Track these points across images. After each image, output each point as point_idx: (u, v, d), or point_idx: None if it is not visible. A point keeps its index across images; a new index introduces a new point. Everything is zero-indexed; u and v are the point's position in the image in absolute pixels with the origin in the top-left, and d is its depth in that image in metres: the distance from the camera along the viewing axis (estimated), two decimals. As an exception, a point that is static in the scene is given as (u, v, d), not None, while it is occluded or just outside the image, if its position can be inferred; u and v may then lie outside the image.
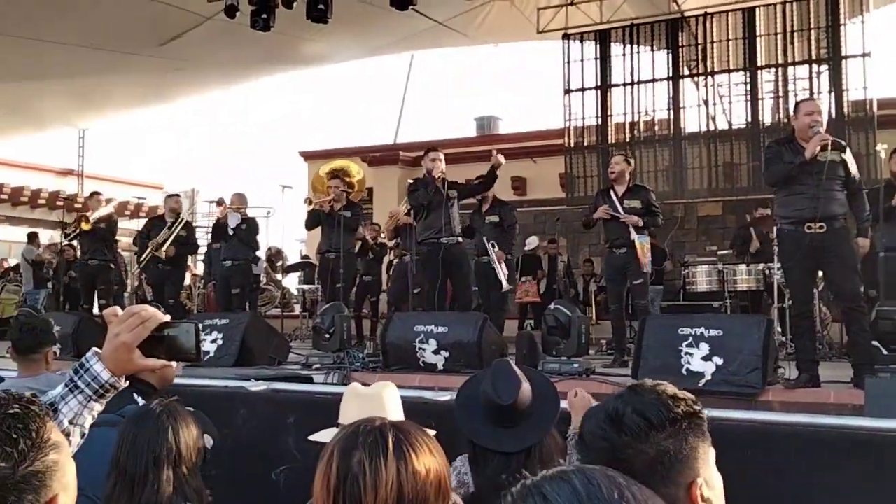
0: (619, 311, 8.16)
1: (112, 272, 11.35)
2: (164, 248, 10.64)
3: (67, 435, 1.55)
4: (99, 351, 1.73)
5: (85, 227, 10.84)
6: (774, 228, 6.91)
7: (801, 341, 6.18)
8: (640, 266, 7.88)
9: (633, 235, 7.91)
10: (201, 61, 13.09)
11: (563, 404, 3.68)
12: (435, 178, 8.32)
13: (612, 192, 8.18)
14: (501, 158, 8.46)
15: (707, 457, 1.45)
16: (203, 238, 13.97)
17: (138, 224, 13.15)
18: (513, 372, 2.91)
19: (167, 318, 1.74)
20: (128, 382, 1.78)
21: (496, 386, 2.87)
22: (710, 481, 1.43)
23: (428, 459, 1.53)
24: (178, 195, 12.20)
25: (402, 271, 9.41)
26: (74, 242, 12.00)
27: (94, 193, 11.78)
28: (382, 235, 10.13)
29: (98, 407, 1.74)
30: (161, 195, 23.11)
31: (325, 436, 2.55)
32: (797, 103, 6.42)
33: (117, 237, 11.76)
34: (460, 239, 8.50)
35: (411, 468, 1.49)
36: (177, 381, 4.01)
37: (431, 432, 1.63)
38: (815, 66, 11.84)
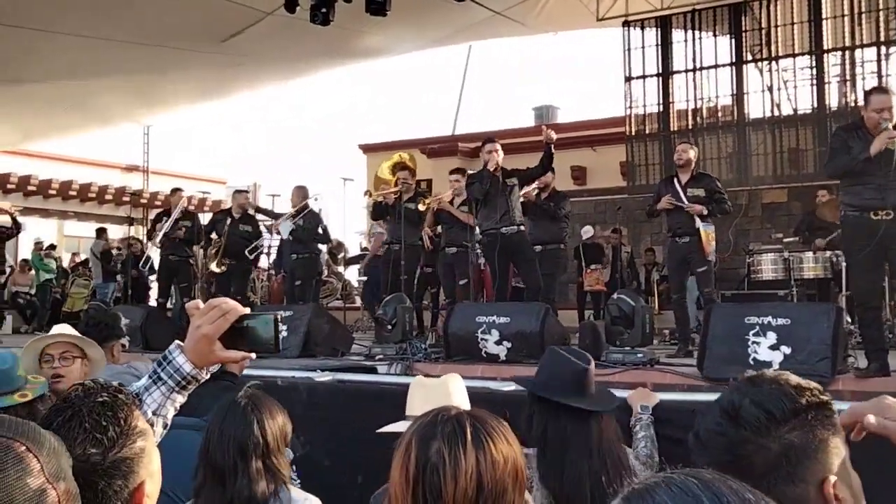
0: (682, 301, 8.07)
1: (191, 268, 11.60)
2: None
3: (151, 425, 1.58)
4: (181, 344, 1.76)
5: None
6: (839, 215, 6.74)
7: (869, 331, 6.04)
8: (705, 254, 7.80)
9: (698, 223, 7.83)
10: (261, 57, 13.23)
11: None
12: (491, 170, 8.30)
13: (675, 181, 8.10)
14: (553, 134, 8.37)
15: (839, 451, 1.33)
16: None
17: (204, 219, 13.35)
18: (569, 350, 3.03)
19: (247, 310, 1.77)
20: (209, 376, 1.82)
21: (569, 357, 3.01)
22: (844, 479, 1.32)
23: (505, 448, 1.53)
24: (246, 191, 12.36)
25: (447, 263, 9.39)
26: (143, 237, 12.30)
27: (176, 190, 12.00)
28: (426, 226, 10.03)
29: (180, 399, 1.77)
30: (224, 190, 23.52)
31: (395, 428, 2.57)
32: (867, 94, 6.20)
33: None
34: (521, 227, 8.46)
35: (490, 457, 1.49)
36: (245, 371, 4.08)
37: (504, 422, 1.62)
38: (883, 49, 11.53)
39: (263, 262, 13.26)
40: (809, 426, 1.31)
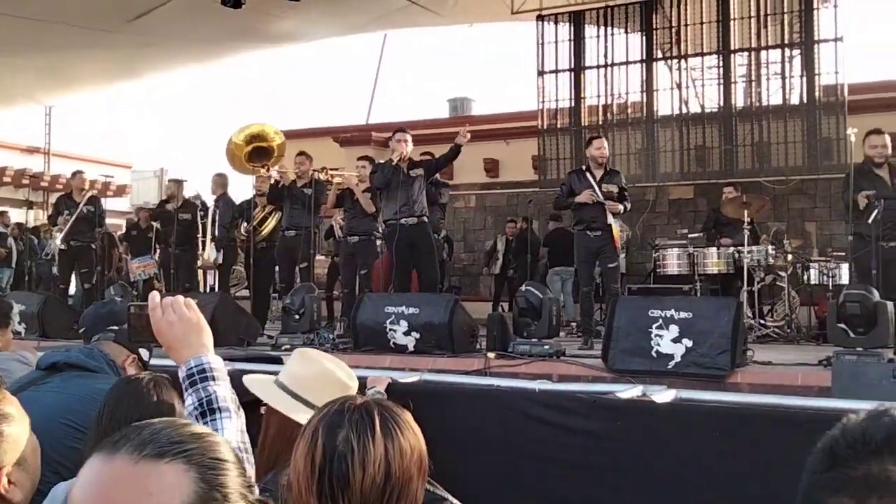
0: (590, 294, 8.21)
1: (93, 252, 11.24)
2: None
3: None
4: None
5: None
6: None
7: None
8: (616, 250, 7.98)
9: (610, 219, 7.99)
10: (171, 38, 12.92)
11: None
12: (395, 161, 8.23)
13: (588, 174, 8.19)
14: (467, 137, 8.30)
15: None
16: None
17: (110, 204, 12.97)
18: None
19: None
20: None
21: None
22: None
23: (412, 438, 1.53)
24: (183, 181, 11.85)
25: (348, 252, 9.22)
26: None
27: (77, 173, 11.59)
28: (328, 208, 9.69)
29: (214, 386, 1.72)
30: (129, 174, 22.91)
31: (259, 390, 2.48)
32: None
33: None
34: (423, 218, 8.38)
35: (398, 446, 1.49)
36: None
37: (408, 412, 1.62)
38: (787, 51, 11.86)
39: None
40: None
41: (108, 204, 12.03)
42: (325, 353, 2.73)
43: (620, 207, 8.10)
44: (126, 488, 0.92)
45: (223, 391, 1.69)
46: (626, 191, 8.39)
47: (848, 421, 1.02)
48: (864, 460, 0.92)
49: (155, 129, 44.54)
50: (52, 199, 15.86)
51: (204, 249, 10.64)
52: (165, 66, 15.80)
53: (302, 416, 2.11)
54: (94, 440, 2.39)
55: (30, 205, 14.77)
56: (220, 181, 10.83)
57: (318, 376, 2.44)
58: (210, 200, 11.10)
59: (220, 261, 10.69)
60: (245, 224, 10.36)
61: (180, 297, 1.74)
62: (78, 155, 21.25)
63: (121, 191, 21.62)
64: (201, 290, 10.63)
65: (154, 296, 1.74)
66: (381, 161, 8.77)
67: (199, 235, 10.74)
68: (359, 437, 1.47)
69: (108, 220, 12.51)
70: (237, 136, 9.65)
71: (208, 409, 1.64)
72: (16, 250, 14.31)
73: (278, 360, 6.64)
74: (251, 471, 1.65)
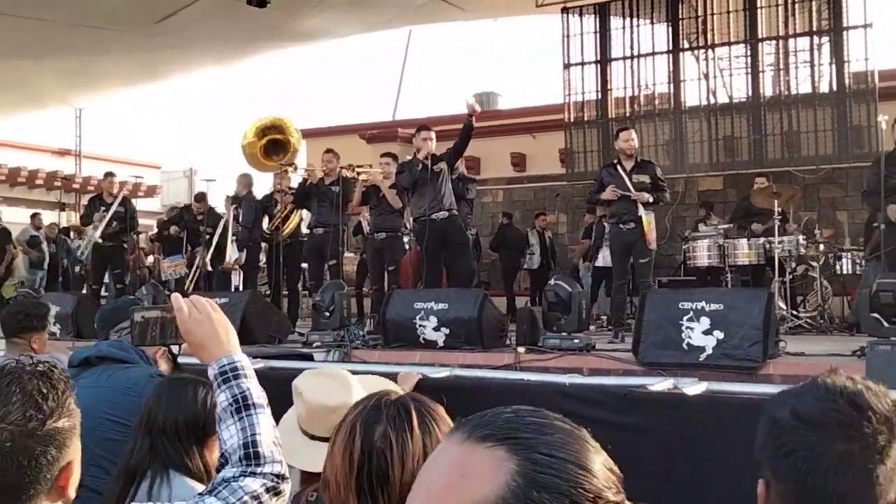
0: (623, 287, 8.11)
1: (125, 252, 11.41)
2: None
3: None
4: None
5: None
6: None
7: None
8: (647, 243, 7.87)
9: (641, 211, 7.89)
10: (197, 39, 13.01)
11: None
12: (421, 159, 8.22)
13: (619, 167, 8.11)
14: (477, 106, 8.32)
15: None
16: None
17: (141, 204, 13.13)
18: None
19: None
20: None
21: None
22: None
23: (447, 431, 1.51)
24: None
25: (375, 249, 9.24)
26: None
27: (109, 175, 11.74)
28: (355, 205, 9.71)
29: (243, 385, 1.74)
30: (159, 174, 23.09)
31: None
32: None
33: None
34: (452, 211, 8.34)
35: (435, 440, 1.48)
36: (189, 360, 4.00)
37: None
38: (816, 38, 11.72)
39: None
40: None
41: (139, 205, 12.16)
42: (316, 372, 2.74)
43: (647, 196, 7.89)
44: (444, 464, 0.86)
45: (256, 388, 1.71)
46: (661, 181, 8.20)
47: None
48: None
49: (183, 130, 44.91)
50: (84, 200, 16.06)
51: (222, 253, 10.78)
52: (192, 67, 15.90)
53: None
54: (138, 440, 2.43)
55: (62, 207, 14.96)
56: (245, 181, 10.89)
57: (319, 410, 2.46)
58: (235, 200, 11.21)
59: (244, 260, 10.76)
60: (267, 222, 10.47)
61: (202, 298, 1.76)
62: (108, 156, 21.48)
63: (151, 191, 21.83)
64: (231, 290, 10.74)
65: (177, 297, 1.76)
66: (407, 159, 8.75)
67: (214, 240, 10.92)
68: (397, 433, 1.48)
69: (140, 221, 12.66)
70: (247, 136, 9.71)
71: (244, 405, 1.66)
72: (48, 252, 14.48)
73: (309, 357, 6.71)
74: (283, 468, 1.67)
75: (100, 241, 10.99)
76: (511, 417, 0.87)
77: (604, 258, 11.41)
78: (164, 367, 3.20)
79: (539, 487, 0.81)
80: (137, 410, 2.52)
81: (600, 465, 0.86)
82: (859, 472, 1.22)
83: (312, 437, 2.43)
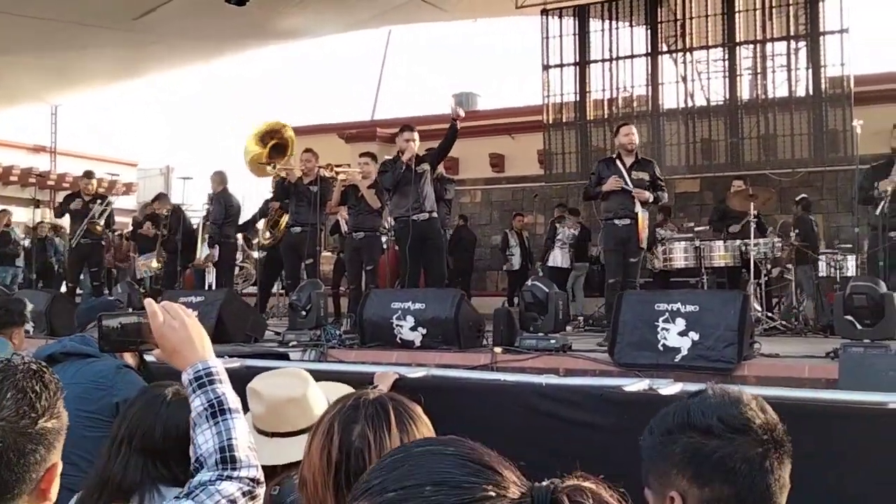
0: (617, 285, 7.79)
1: (103, 250, 11.36)
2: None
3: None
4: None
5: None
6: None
7: None
8: (640, 240, 7.82)
9: (637, 208, 7.85)
10: (175, 36, 12.93)
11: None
12: (404, 160, 8.20)
13: (618, 162, 8.03)
14: (461, 111, 8.32)
15: None
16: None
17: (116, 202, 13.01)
18: None
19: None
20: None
21: None
22: None
23: (426, 431, 1.53)
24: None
25: (353, 248, 9.20)
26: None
27: (88, 173, 11.66)
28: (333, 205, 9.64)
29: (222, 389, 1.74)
30: (135, 172, 22.91)
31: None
32: None
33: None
34: (432, 214, 8.36)
35: (413, 439, 1.46)
36: (150, 359, 3.97)
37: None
38: (793, 43, 11.83)
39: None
40: None
41: (115, 202, 12.09)
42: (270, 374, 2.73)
43: (647, 195, 7.85)
44: None
45: (231, 393, 1.71)
46: (660, 181, 8.16)
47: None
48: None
49: (160, 128, 44.62)
50: (59, 197, 15.92)
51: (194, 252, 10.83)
52: (170, 64, 15.81)
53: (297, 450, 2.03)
54: (113, 447, 2.38)
55: (36, 203, 14.82)
56: (219, 178, 10.85)
57: (278, 406, 2.46)
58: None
59: (216, 257, 10.72)
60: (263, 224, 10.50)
61: (175, 304, 1.74)
62: (84, 153, 21.30)
63: (127, 189, 21.65)
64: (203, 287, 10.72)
65: (150, 303, 1.75)
66: (387, 158, 8.71)
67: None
68: (375, 432, 1.47)
69: (116, 219, 12.57)
70: (249, 150, 9.66)
71: (219, 410, 1.66)
72: (23, 248, 14.33)
73: (285, 357, 6.68)
74: (258, 472, 1.66)
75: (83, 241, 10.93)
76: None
77: (553, 258, 11.50)
78: (130, 359, 3.18)
79: None
80: (107, 403, 2.49)
81: None
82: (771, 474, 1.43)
83: (272, 435, 2.43)
